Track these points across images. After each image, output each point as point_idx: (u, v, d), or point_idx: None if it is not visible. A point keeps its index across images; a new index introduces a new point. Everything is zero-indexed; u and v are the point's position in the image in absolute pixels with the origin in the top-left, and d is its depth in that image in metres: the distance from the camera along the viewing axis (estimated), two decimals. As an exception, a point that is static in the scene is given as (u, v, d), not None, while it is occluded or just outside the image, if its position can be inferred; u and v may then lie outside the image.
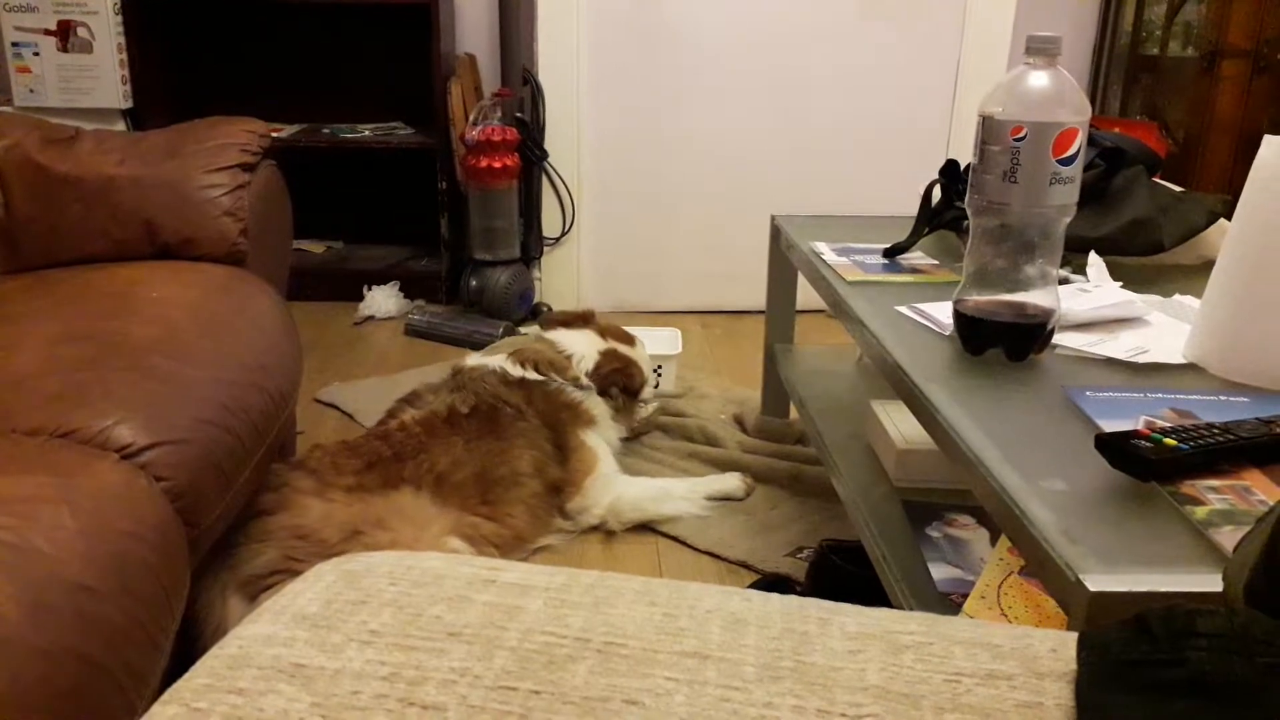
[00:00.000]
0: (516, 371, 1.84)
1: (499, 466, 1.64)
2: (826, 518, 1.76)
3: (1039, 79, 1.06)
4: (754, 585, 1.50)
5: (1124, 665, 0.46)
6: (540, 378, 1.84)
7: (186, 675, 0.49)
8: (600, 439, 1.84)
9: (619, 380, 1.95)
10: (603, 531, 1.75)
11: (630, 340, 2.08)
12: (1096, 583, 0.69)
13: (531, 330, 2.20)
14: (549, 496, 1.71)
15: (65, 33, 2.66)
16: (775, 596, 0.57)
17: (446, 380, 1.83)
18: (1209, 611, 0.46)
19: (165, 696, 0.47)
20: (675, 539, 1.73)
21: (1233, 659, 0.43)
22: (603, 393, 1.93)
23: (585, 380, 1.91)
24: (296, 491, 1.44)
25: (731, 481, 1.86)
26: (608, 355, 1.98)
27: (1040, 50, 1.05)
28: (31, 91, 2.70)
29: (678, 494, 1.80)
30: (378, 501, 1.48)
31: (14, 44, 2.67)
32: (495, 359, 1.88)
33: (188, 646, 1.25)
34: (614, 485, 1.77)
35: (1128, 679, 0.45)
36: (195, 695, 0.46)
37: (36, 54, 2.67)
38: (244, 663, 0.48)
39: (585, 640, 0.50)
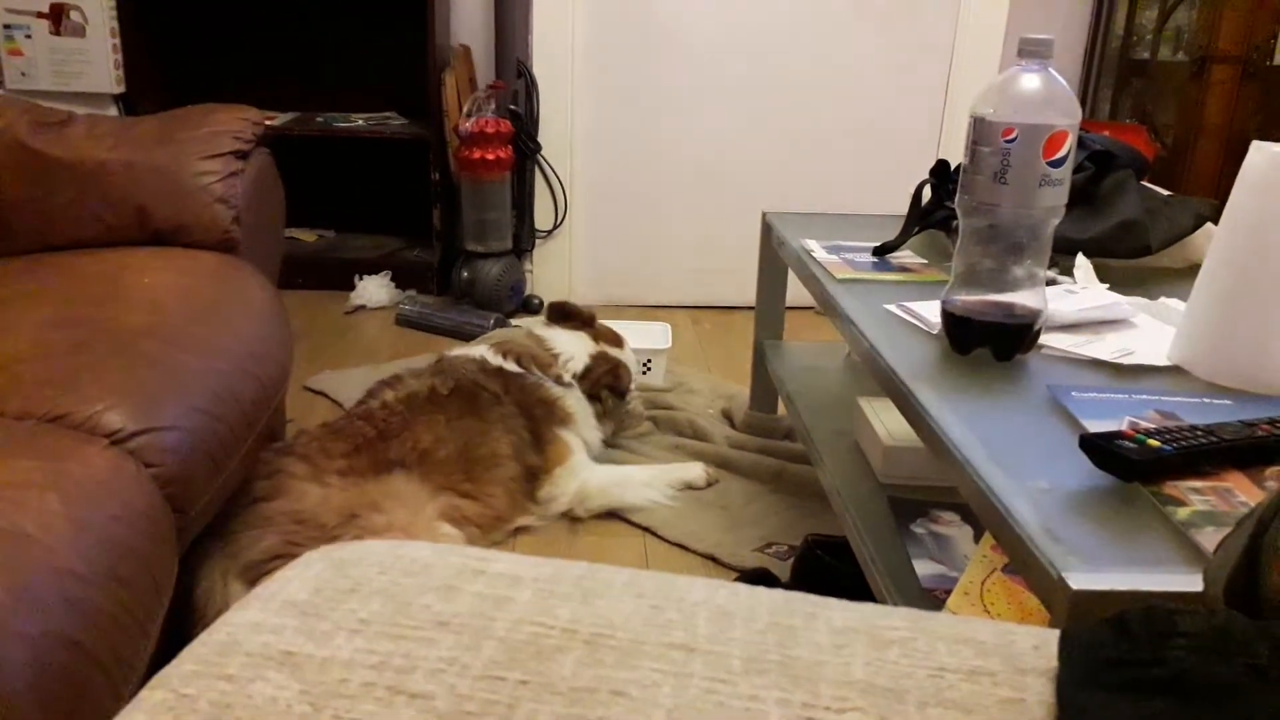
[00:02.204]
0: (495, 361, 1.85)
1: (479, 446, 1.67)
2: (802, 514, 1.77)
3: (1031, 81, 1.06)
4: (738, 580, 1.50)
5: (1105, 664, 0.47)
6: (518, 370, 1.85)
7: (175, 661, 0.49)
8: (575, 435, 1.85)
9: (609, 382, 1.96)
10: (583, 520, 1.76)
11: (619, 342, 2.08)
12: (1079, 581, 0.70)
13: (530, 320, 2.17)
14: (525, 481, 1.73)
15: (58, 16, 2.64)
16: (762, 590, 0.57)
17: (429, 366, 1.85)
18: (1189, 612, 0.47)
19: (153, 682, 0.47)
20: (647, 529, 1.74)
21: (1212, 659, 0.44)
22: (593, 397, 1.93)
23: (567, 378, 1.91)
24: (291, 477, 1.46)
25: (694, 470, 1.88)
26: (598, 359, 1.98)
27: (1033, 52, 1.05)
28: (23, 74, 2.69)
29: (640, 480, 1.82)
30: (372, 485, 1.50)
31: (6, 26, 2.65)
32: (478, 348, 1.90)
33: (184, 632, 1.26)
34: (580, 473, 1.79)
35: (1108, 677, 0.46)
36: (183, 681, 0.47)
37: (28, 37, 2.66)
38: (232, 649, 0.48)
39: (573, 631, 0.51)
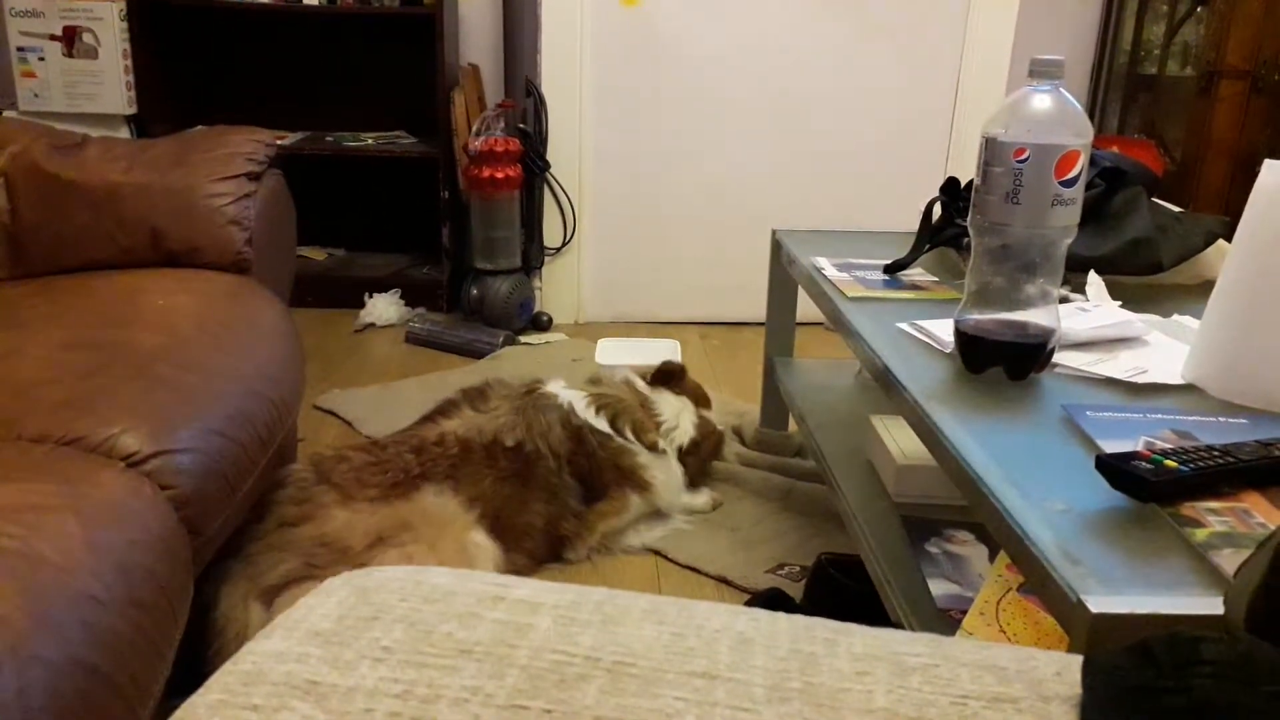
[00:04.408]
0: (583, 416, 1.74)
1: (516, 515, 1.60)
2: (813, 534, 1.76)
3: (1042, 101, 1.07)
4: (750, 602, 1.50)
5: (1129, 691, 0.47)
6: (606, 431, 1.75)
7: (200, 690, 0.49)
8: (644, 501, 1.76)
9: (717, 453, 1.92)
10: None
11: (709, 402, 2.00)
12: (1098, 604, 0.70)
13: (635, 371, 1.97)
14: (550, 548, 1.68)
15: (71, 38, 2.67)
16: (782, 616, 0.57)
17: (519, 390, 1.77)
18: (1213, 639, 0.47)
19: (179, 713, 0.47)
20: (657, 552, 1.73)
21: (1236, 687, 0.44)
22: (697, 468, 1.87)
23: (663, 445, 1.80)
24: (321, 506, 1.43)
25: (701, 497, 1.87)
26: (705, 431, 1.89)
27: (1044, 73, 1.06)
28: (36, 96, 2.71)
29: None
30: (401, 505, 1.47)
31: (19, 48, 2.68)
32: (572, 393, 1.79)
33: (201, 652, 1.26)
34: (616, 531, 1.74)
35: (1132, 705, 0.46)
36: (210, 711, 0.47)
37: (42, 59, 2.69)
38: (258, 679, 0.49)
39: (595, 659, 0.51)
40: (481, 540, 1.52)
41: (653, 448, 1.78)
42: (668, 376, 1.95)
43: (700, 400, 1.97)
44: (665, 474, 1.79)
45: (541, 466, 1.66)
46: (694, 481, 1.88)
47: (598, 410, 1.76)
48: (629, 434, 1.76)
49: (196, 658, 1.24)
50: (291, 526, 1.39)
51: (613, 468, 1.74)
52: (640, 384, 1.91)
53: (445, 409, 1.72)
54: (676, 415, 1.87)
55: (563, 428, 1.71)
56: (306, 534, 1.38)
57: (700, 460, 1.89)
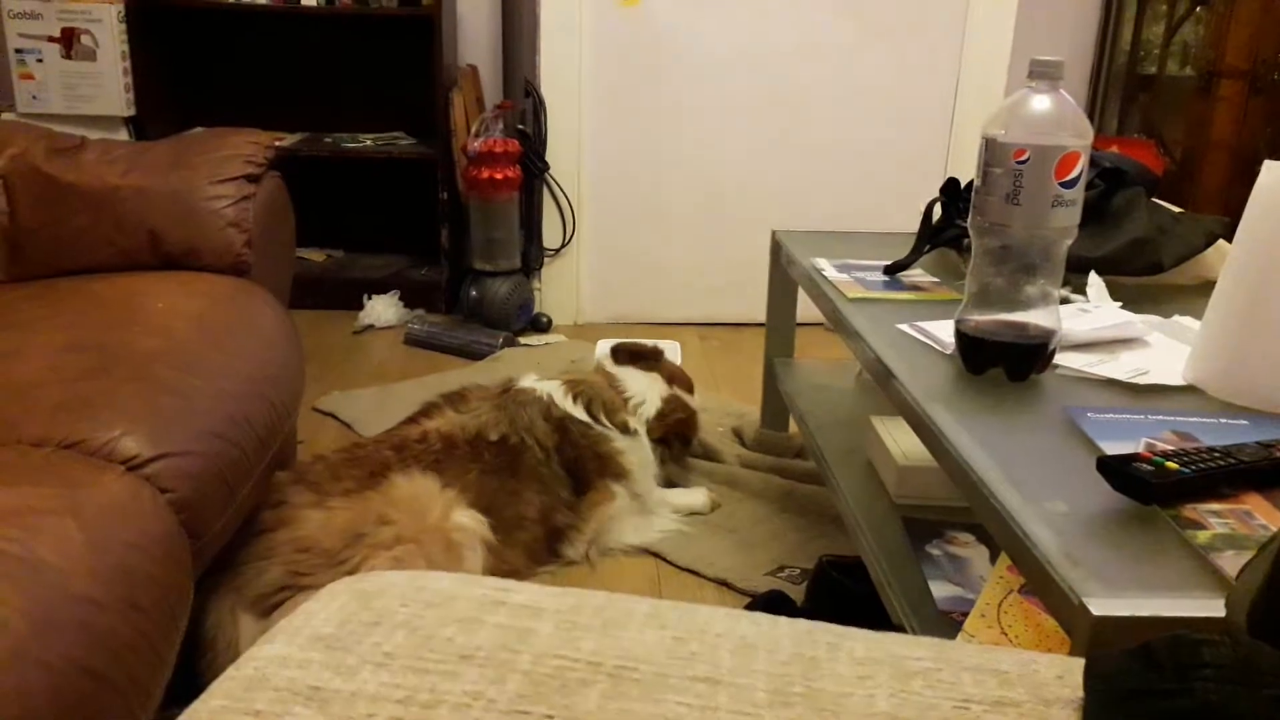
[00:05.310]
0: (562, 406, 1.76)
1: (506, 507, 1.58)
2: (812, 536, 1.76)
3: (1042, 102, 1.07)
4: (751, 604, 1.50)
5: (1130, 694, 0.47)
6: (585, 419, 1.76)
7: (202, 696, 0.49)
8: (624, 489, 1.76)
9: (682, 430, 1.90)
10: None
11: (690, 385, 2.01)
12: (1100, 607, 0.70)
13: (598, 355, 2.02)
14: (548, 541, 1.67)
15: (69, 39, 2.66)
16: (783, 620, 0.57)
17: (497, 390, 1.78)
18: (1215, 642, 0.47)
19: (183, 718, 0.47)
20: (657, 555, 1.72)
21: (1238, 691, 0.44)
22: (662, 441, 1.86)
23: (634, 425, 1.82)
24: (295, 506, 1.41)
25: (698, 497, 1.86)
26: (671, 402, 1.89)
27: (1043, 74, 1.06)
28: (34, 98, 2.71)
29: (651, 514, 1.80)
30: (374, 497, 1.44)
31: (18, 50, 2.68)
32: (548, 385, 1.80)
33: (193, 661, 1.25)
34: (608, 527, 1.73)
35: (1134, 708, 0.46)
36: (212, 716, 0.47)
37: (40, 60, 2.68)
38: (260, 684, 0.48)
39: (597, 664, 0.51)
40: (466, 522, 1.48)
41: (624, 428, 1.80)
42: (635, 356, 1.97)
43: (675, 378, 1.98)
44: (639, 456, 1.81)
45: (529, 457, 1.66)
46: (663, 456, 1.88)
47: (574, 398, 1.78)
48: (603, 418, 1.78)
49: (191, 669, 1.23)
50: (270, 533, 1.37)
51: (594, 456, 1.75)
52: (610, 365, 1.94)
53: (427, 410, 1.73)
54: (644, 391, 1.89)
55: (545, 420, 1.73)
56: (284, 539, 1.36)
57: (663, 429, 1.87)
